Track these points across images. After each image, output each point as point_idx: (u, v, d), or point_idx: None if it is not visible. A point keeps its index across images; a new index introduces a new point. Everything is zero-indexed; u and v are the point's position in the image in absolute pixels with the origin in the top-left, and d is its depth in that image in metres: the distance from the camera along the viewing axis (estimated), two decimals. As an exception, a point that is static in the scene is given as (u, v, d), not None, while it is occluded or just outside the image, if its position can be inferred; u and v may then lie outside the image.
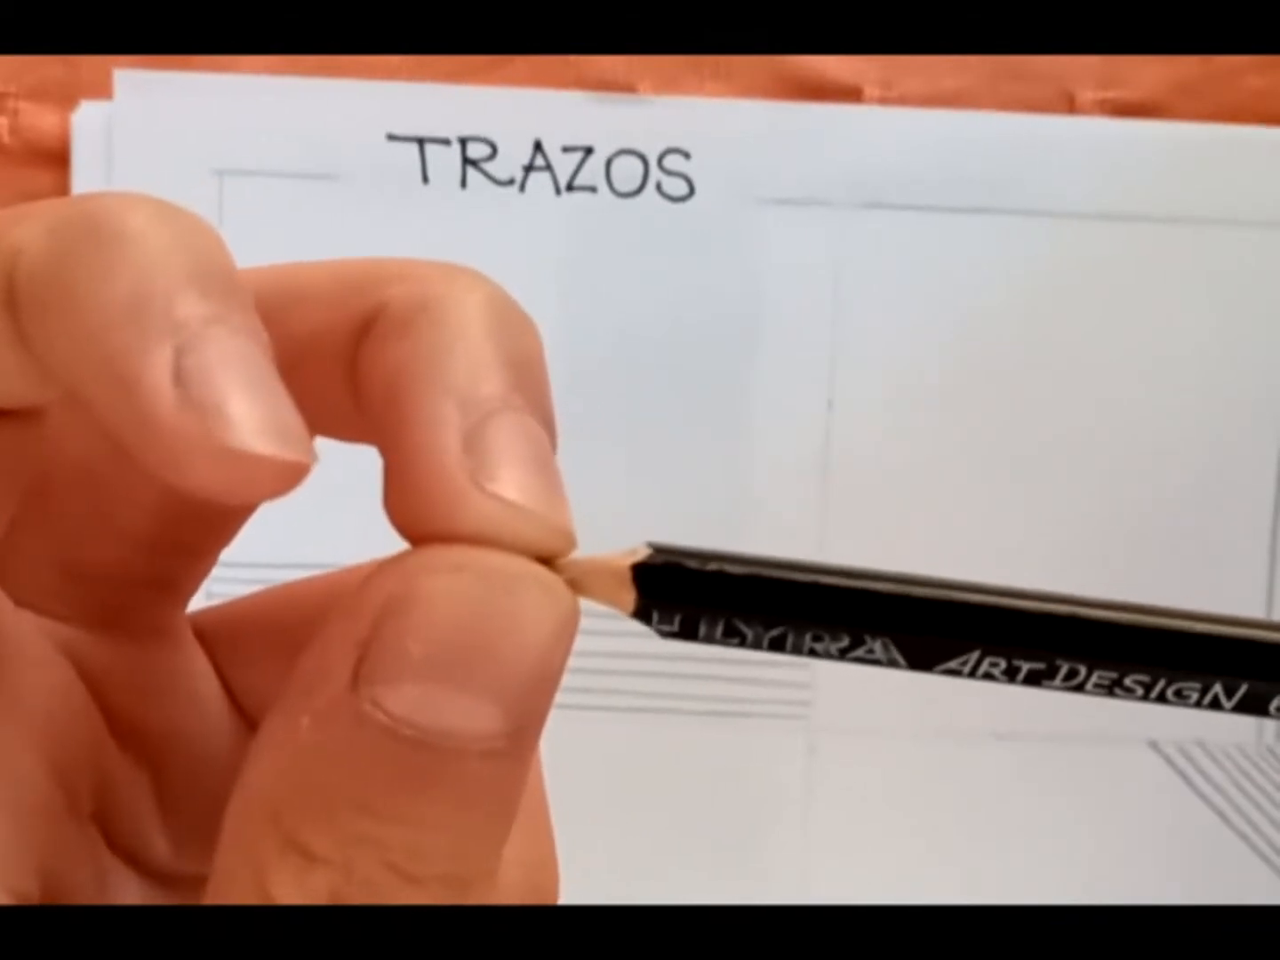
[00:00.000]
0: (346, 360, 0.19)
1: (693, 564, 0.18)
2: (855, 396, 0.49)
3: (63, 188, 0.47)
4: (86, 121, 0.47)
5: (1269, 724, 0.50)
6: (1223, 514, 0.50)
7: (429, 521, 0.17)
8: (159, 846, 0.21)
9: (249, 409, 0.16)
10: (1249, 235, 0.49)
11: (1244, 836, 0.50)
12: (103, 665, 0.21)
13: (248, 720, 0.22)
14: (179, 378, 0.16)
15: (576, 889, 0.49)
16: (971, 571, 0.54)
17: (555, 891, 0.20)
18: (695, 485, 0.49)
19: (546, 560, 0.18)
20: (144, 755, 0.21)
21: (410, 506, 0.17)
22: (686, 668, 0.48)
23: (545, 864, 0.20)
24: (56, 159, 0.47)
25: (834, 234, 0.49)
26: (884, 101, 0.49)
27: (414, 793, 0.16)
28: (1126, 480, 0.50)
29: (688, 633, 0.18)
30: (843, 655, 0.18)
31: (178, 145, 0.48)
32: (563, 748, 0.51)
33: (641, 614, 0.18)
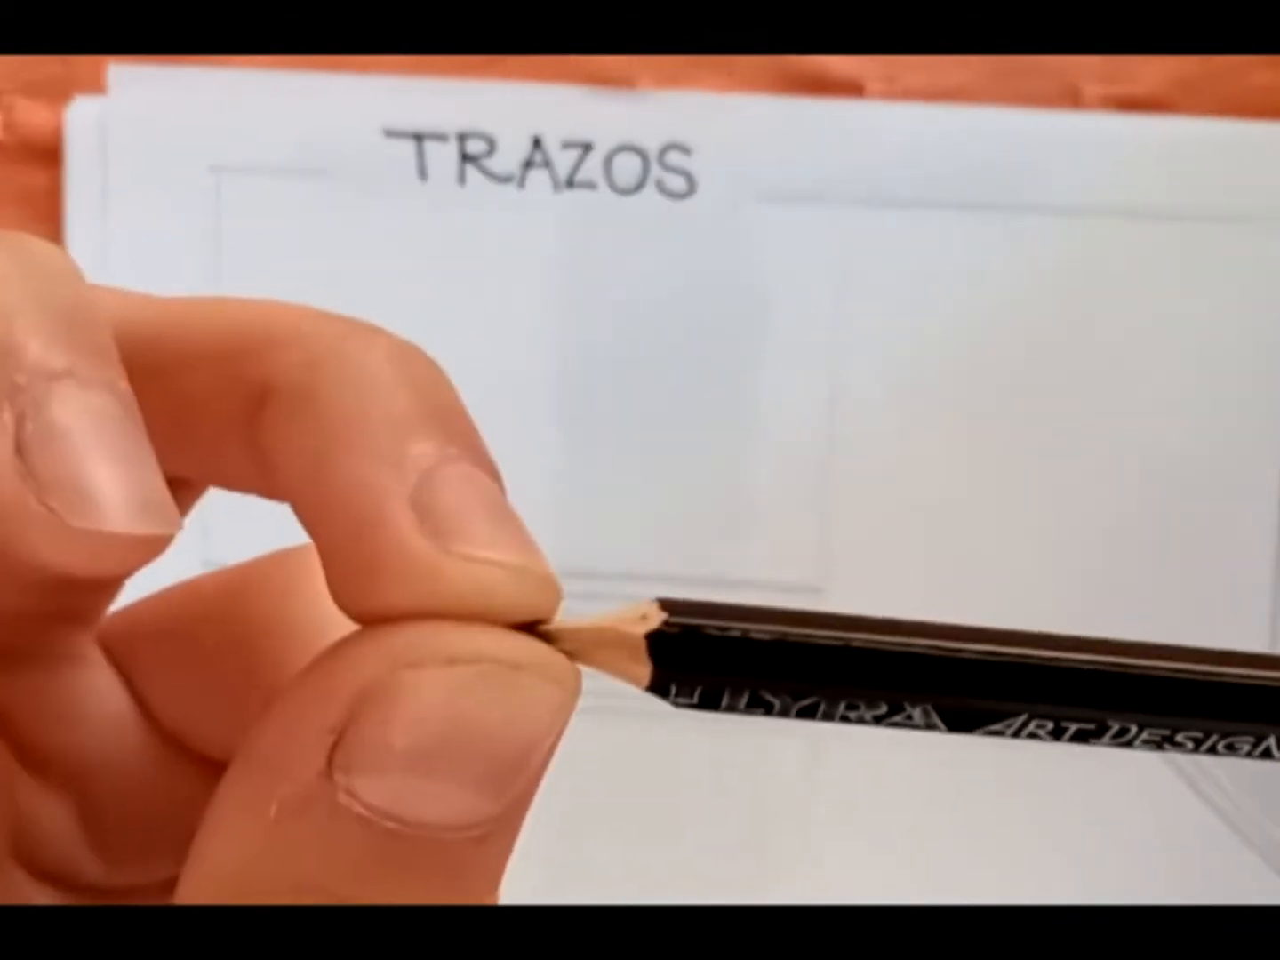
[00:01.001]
0: (241, 428, 0.17)
1: (713, 629, 0.16)
2: (858, 393, 0.49)
3: (57, 183, 0.47)
4: (80, 117, 0.47)
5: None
6: (1227, 507, 0.50)
7: (397, 601, 0.15)
8: (91, 867, 0.20)
9: (99, 478, 0.15)
10: (1255, 230, 0.49)
11: (1245, 836, 0.50)
12: (8, 699, 0.20)
13: (159, 732, 0.21)
14: (20, 447, 0.15)
15: (577, 889, 0.49)
16: (972, 569, 0.54)
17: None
18: (697, 481, 0.49)
19: (538, 621, 0.16)
20: (63, 781, 0.20)
21: (372, 591, 0.16)
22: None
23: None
24: (51, 155, 0.47)
25: (837, 230, 0.49)
26: (887, 96, 0.48)
27: (392, 882, 0.15)
28: (1131, 476, 0.50)
29: (708, 704, 0.17)
30: (878, 722, 0.16)
31: (173, 141, 0.47)
32: (563, 749, 0.51)
33: (657, 688, 0.16)
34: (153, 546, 0.15)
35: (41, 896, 0.20)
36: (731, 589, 0.49)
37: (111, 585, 0.21)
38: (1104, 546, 0.50)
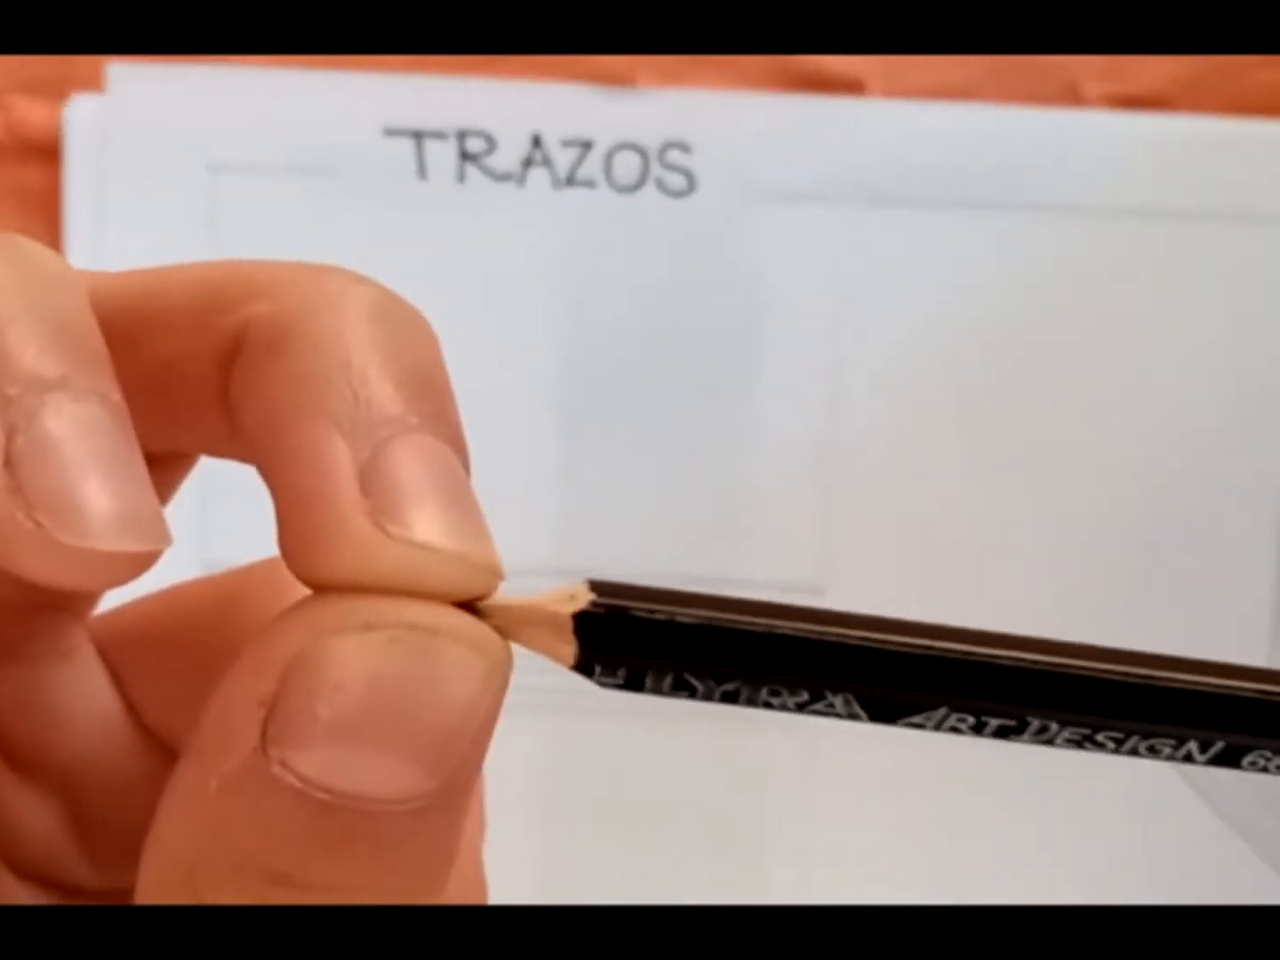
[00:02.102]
0: (215, 384, 0.17)
1: (640, 611, 0.16)
2: (858, 392, 0.49)
3: (56, 182, 0.47)
4: (79, 115, 0.47)
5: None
6: (1229, 506, 0.50)
7: (332, 573, 0.15)
8: (78, 868, 0.20)
9: (88, 493, 0.15)
10: (1257, 229, 0.49)
11: (1245, 836, 0.50)
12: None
13: (149, 735, 0.21)
14: (9, 460, 0.15)
15: (576, 889, 0.48)
16: (972, 568, 0.53)
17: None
18: (696, 482, 0.49)
19: (473, 602, 0.16)
20: (48, 781, 0.20)
21: (308, 556, 0.16)
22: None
23: (474, 886, 0.19)
24: (50, 153, 0.47)
25: (836, 227, 0.49)
26: (887, 94, 0.48)
27: (335, 857, 0.15)
28: (1133, 476, 0.50)
29: (633, 686, 0.17)
30: (800, 709, 0.16)
31: (171, 139, 0.47)
32: (561, 749, 0.51)
33: (582, 667, 0.16)
34: (141, 562, 0.15)
35: (27, 897, 0.20)
36: (731, 588, 0.49)
37: None
38: (1105, 545, 0.50)
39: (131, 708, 0.21)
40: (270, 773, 0.15)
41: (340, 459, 0.15)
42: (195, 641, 0.20)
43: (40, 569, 0.15)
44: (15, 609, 0.20)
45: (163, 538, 0.15)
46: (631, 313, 0.49)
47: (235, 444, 0.17)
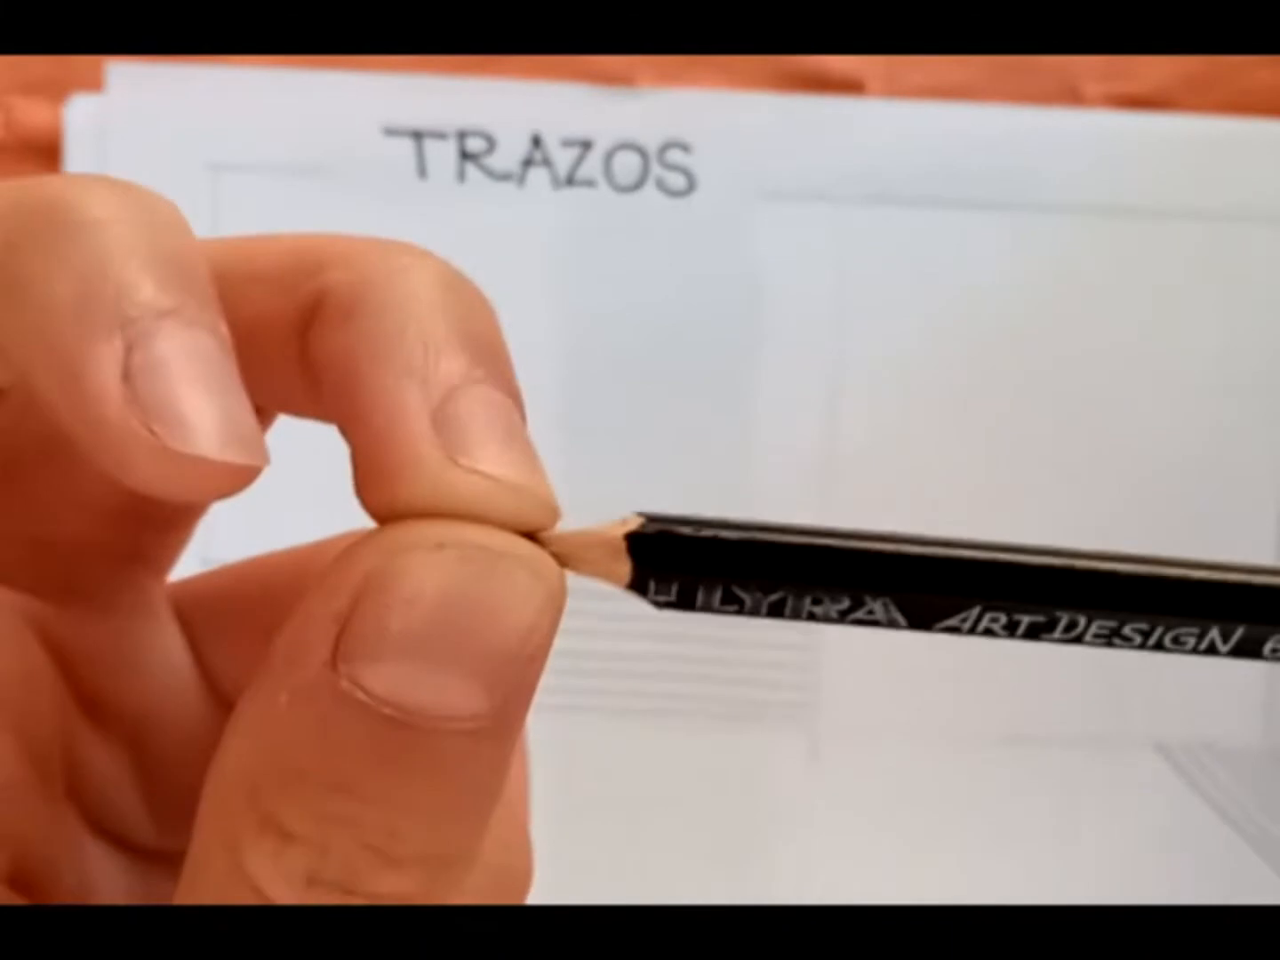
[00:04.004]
0: (295, 345, 0.18)
1: (687, 531, 0.18)
2: (858, 393, 0.49)
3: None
4: (79, 115, 0.47)
5: (1275, 726, 0.50)
6: (1230, 507, 0.50)
7: (407, 504, 0.17)
8: (142, 824, 0.21)
9: (197, 408, 0.16)
10: (1258, 230, 0.49)
11: (1245, 836, 0.50)
12: (73, 640, 0.21)
13: (220, 698, 0.22)
14: (127, 374, 0.16)
15: (577, 889, 0.49)
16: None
17: (528, 875, 0.20)
18: (696, 483, 0.49)
19: (532, 534, 0.17)
20: (119, 732, 0.21)
21: (385, 491, 0.17)
22: (688, 668, 0.48)
23: (519, 847, 0.20)
24: (50, 153, 0.47)
25: (836, 228, 0.49)
26: (887, 94, 0.48)
27: (393, 773, 0.16)
28: (1133, 474, 0.50)
29: (685, 602, 0.18)
30: (842, 617, 0.18)
31: (171, 139, 0.47)
32: (564, 749, 0.51)
33: (637, 585, 0.18)
34: (243, 475, 0.16)
35: (96, 849, 0.21)
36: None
37: (181, 530, 0.22)
38: (1105, 544, 0.50)
39: (205, 671, 0.22)
40: (339, 687, 0.16)
41: (413, 400, 0.17)
42: (268, 610, 0.21)
43: (152, 476, 0.16)
44: (96, 553, 0.21)
45: (263, 455, 0.16)
46: (631, 312, 0.49)
47: (312, 402, 0.19)
